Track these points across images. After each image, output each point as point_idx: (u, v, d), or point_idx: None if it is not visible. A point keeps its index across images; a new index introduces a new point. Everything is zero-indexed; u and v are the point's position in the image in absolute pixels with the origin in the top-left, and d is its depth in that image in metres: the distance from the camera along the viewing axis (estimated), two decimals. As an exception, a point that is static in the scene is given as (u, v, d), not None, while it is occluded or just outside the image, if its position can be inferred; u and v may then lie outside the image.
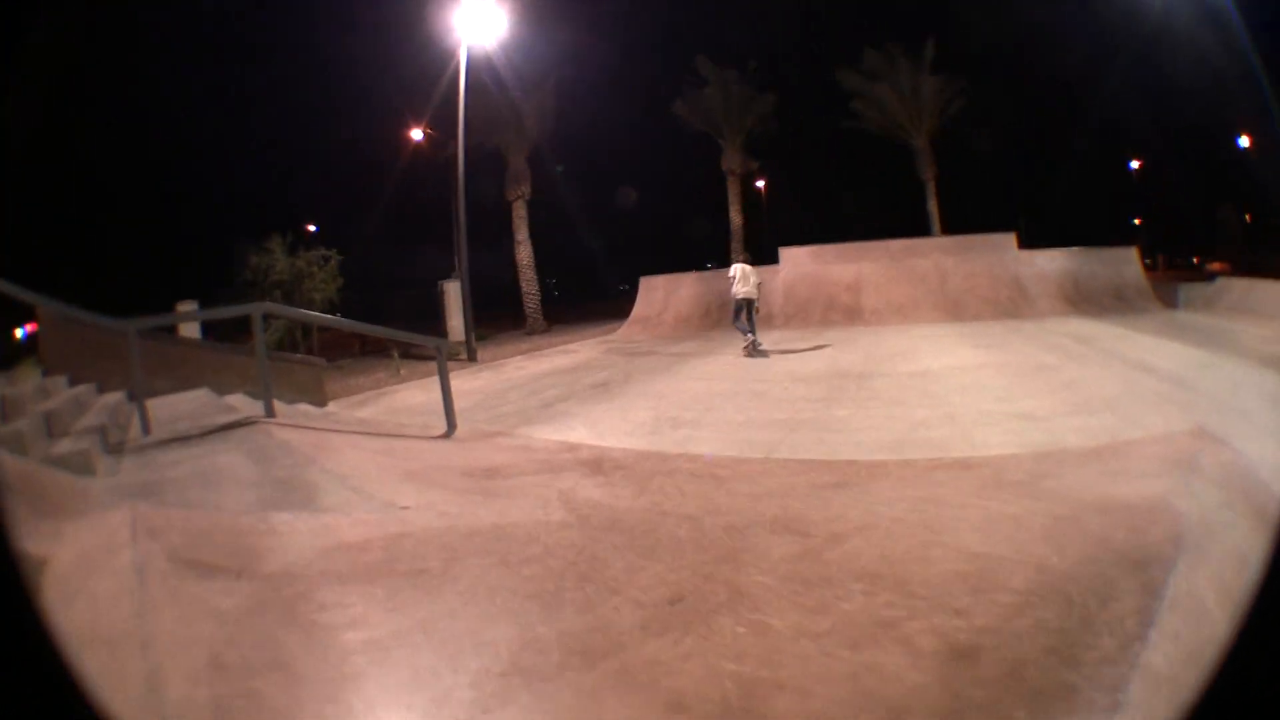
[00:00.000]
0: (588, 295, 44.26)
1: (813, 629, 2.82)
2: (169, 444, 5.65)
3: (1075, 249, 20.63)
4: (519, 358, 17.33)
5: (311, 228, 25.17)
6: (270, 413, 6.52)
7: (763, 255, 23.99)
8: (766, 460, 6.21)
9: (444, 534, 3.73)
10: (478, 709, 2.35)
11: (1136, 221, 42.89)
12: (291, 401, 8.80)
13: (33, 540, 2.82)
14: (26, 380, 7.04)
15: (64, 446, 5.03)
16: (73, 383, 7.41)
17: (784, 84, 33.52)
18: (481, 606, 3.07)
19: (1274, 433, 6.19)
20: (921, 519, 4.26)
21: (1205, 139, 35.86)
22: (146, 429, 6.20)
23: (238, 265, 20.98)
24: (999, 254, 20.49)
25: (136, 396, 6.61)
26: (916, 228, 29.57)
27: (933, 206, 31.15)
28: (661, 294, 23.26)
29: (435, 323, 22.81)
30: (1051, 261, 20.20)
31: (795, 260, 21.72)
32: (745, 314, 13.85)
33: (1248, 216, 40.49)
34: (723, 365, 12.67)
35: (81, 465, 4.73)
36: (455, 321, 22.29)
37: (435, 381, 12.73)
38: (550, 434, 7.76)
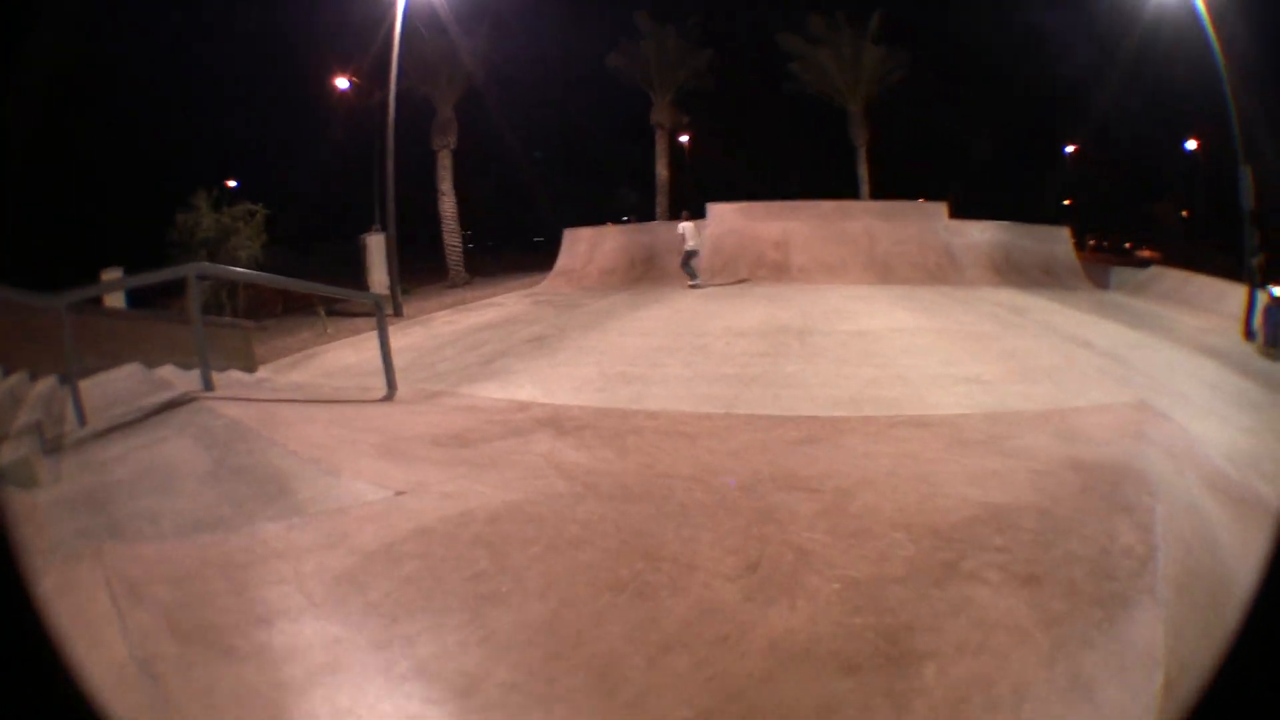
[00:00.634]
0: (504, 247, 43.39)
1: (893, 576, 3.03)
2: (108, 434, 5.09)
3: (1007, 223, 21.30)
4: (446, 312, 16.89)
5: (232, 183, 23.69)
6: (209, 385, 5.98)
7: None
8: (728, 416, 6.23)
9: (465, 523, 3.48)
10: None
11: (1067, 202, 44.54)
12: (222, 369, 8.27)
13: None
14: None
15: (5, 455, 4.46)
16: (6, 373, 6.67)
17: (724, 42, 33.15)
18: (576, 610, 2.82)
19: (1213, 415, 6.57)
20: (913, 473, 4.40)
21: (1149, 136, 37.27)
22: (83, 418, 5.60)
23: (163, 225, 19.84)
24: (930, 221, 20.97)
25: (70, 380, 5.99)
26: (846, 191, 30.01)
27: (863, 171, 31.55)
28: (586, 246, 22.92)
29: (356, 278, 22.02)
30: (983, 233, 20.81)
31: (723, 217, 21.69)
32: (690, 261, 18.18)
33: (1185, 213, 42.40)
34: (658, 320, 12.60)
35: (25, 477, 4.20)
36: (378, 275, 21.54)
37: (364, 340, 12.53)
38: (497, 392, 7.56)
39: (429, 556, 3.09)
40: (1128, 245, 44.66)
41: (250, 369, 9.45)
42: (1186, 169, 37.86)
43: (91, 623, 2.47)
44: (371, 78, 23.96)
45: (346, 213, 30.11)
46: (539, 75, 35.99)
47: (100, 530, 3.51)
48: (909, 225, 20.68)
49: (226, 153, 32.10)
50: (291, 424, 5.13)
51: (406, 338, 12.60)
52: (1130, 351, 9.34)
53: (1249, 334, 12.35)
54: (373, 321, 14.67)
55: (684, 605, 2.82)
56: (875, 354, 8.81)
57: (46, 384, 6.58)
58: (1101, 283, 20.15)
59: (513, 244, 46.88)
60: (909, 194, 23.17)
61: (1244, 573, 3.28)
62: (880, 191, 30.08)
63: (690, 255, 18.10)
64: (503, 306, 16.73)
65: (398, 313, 16.95)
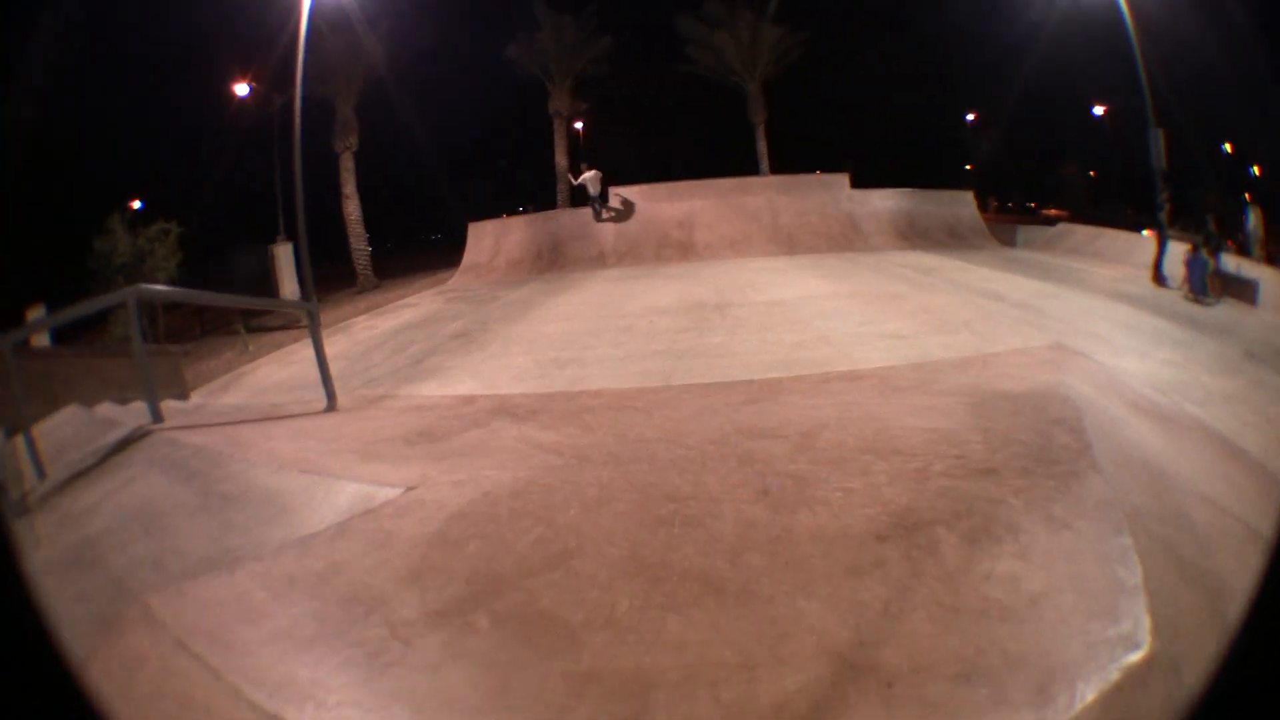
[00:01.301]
0: (403, 248, 42.51)
1: (880, 483, 3.58)
2: (72, 484, 4.75)
3: (909, 189, 22.25)
4: (363, 316, 16.67)
5: (136, 204, 22.62)
6: (158, 417, 5.74)
7: (580, 196, 24.19)
8: (669, 388, 6.61)
9: (493, 503, 3.61)
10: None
11: (968, 167, 46.33)
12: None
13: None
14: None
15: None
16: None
17: (622, 29, 33.13)
18: (646, 545, 3.16)
19: (1132, 352, 7.33)
20: (860, 415, 4.89)
21: (1054, 103, 38.93)
22: (41, 471, 5.21)
23: (70, 254, 18.93)
24: (832, 192, 21.74)
25: (24, 430, 5.63)
26: (746, 168, 30.42)
27: (762, 148, 32.13)
28: (491, 240, 22.93)
29: (266, 290, 21.25)
30: (885, 200, 21.72)
31: (627, 200, 22.07)
32: (596, 202, 21.00)
33: (1093, 174, 44.60)
34: (576, 305, 12.90)
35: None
36: (290, 286, 21.05)
37: (287, 354, 12.44)
38: (438, 390, 7.72)
39: (484, 535, 3.29)
40: (1032, 205, 46.89)
41: (183, 396, 9.23)
42: (1093, 133, 39.84)
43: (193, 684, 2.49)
44: (271, 84, 23.31)
45: (246, 223, 29.20)
46: (437, 71, 35.45)
47: (101, 591, 3.31)
48: (811, 197, 21.42)
49: (122, 170, 30.54)
50: (257, 443, 5.10)
51: (331, 346, 12.36)
52: (1042, 301, 10.15)
53: (1159, 279, 13.66)
54: (292, 335, 14.79)
55: (728, 525, 3.28)
56: (795, 320, 9.36)
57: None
58: (1009, 241, 21.28)
59: (412, 243, 46.04)
60: (811, 169, 23.86)
61: (1180, 469, 4.17)
62: (782, 167, 30.63)
63: (594, 199, 21.05)
64: (418, 306, 16.63)
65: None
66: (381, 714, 2.32)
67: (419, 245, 43.97)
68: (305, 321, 16.50)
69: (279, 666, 2.54)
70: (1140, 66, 15.43)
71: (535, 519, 3.43)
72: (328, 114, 25.72)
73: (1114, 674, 2.16)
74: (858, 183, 22.22)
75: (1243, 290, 12.21)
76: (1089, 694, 2.11)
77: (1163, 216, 15.21)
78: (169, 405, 7.70)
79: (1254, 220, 17.89)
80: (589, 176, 20.97)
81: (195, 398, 9.60)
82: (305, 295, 17.49)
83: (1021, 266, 15.08)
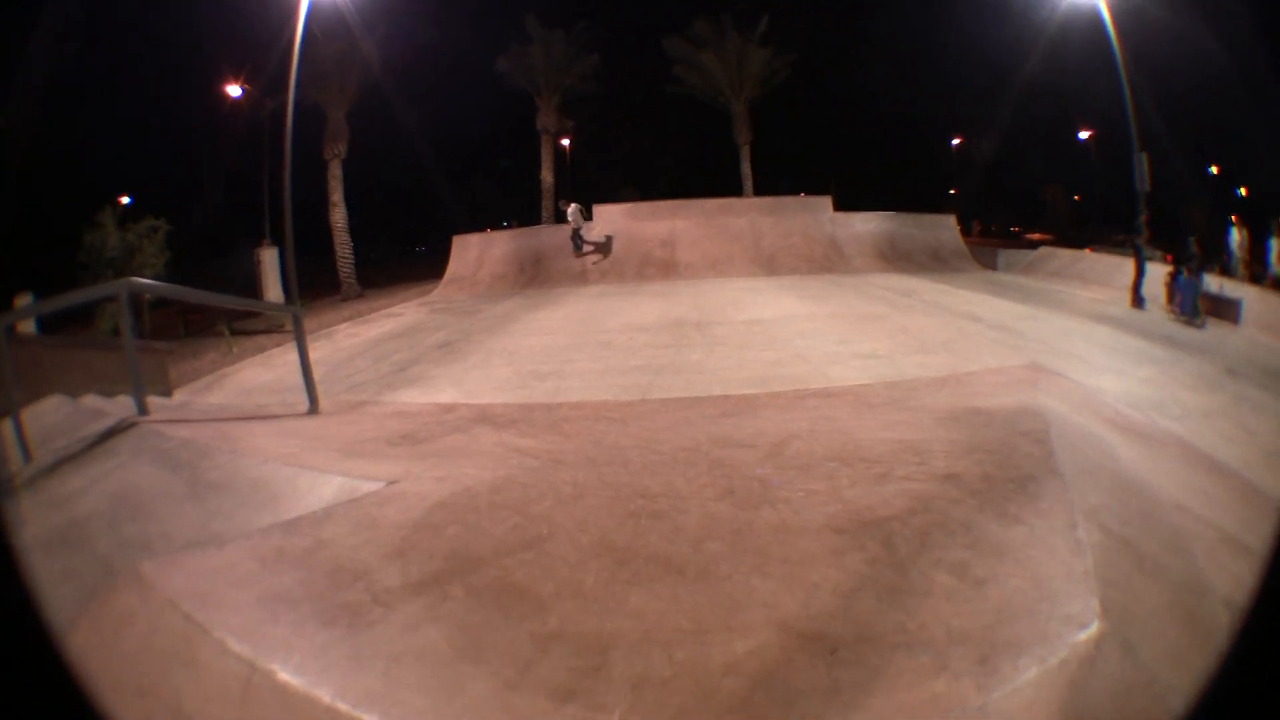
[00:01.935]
0: (387, 258, 42.55)
1: (842, 486, 3.79)
2: (58, 469, 4.74)
3: (892, 213, 22.66)
4: (346, 324, 16.71)
5: (125, 199, 22.60)
6: (144, 410, 5.75)
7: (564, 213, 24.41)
8: (647, 401, 6.77)
9: (473, 496, 3.77)
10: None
11: (952, 191, 47.02)
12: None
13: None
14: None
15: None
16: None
17: (611, 47, 33.55)
18: (614, 533, 3.35)
19: (1109, 371, 7.57)
20: (830, 429, 5.10)
21: (1041, 126, 39.88)
22: (28, 453, 5.23)
23: (59, 246, 18.93)
24: (814, 214, 22.11)
25: (12, 412, 5.57)
26: (730, 189, 30.96)
27: (746, 169, 32.67)
28: (475, 253, 23.14)
29: (250, 293, 21.10)
30: (867, 223, 22.13)
31: (609, 217, 22.33)
32: (576, 235, 21.07)
33: (1076, 197, 45.35)
34: (558, 320, 13.07)
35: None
36: (274, 291, 21.07)
37: (271, 358, 12.50)
38: (419, 398, 7.81)
39: (463, 522, 3.47)
40: (1014, 229, 47.68)
41: (167, 393, 9.28)
42: (1079, 157, 40.77)
43: (179, 639, 2.66)
44: (263, 88, 23.43)
45: (235, 226, 29.24)
46: (429, 83, 35.67)
47: (89, 569, 3.37)
48: (794, 219, 21.75)
49: (113, 167, 30.48)
50: (243, 439, 5.19)
51: (314, 352, 12.32)
52: (1021, 323, 10.41)
53: (1137, 301, 14.00)
54: (275, 339, 14.86)
55: (694, 518, 3.48)
56: (773, 339, 9.56)
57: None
58: (989, 264, 21.68)
59: (396, 254, 46.09)
60: (795, 190, 24.24)
61: (1150, 478, 4.35)
62: (765, 189, 31.24)
63: (576, 231, 21.17)
64: (402, 316, 16.73)
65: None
66: (362, 663, 2.50)
67: (404, 256, 44.00)
68: (289, 325, 16.64)
69: (265, 625, 2.71)
70: (1126, 90, 15.74)
71: (512, 510, 3.60)
72: (320, 120, 25.88)
73: (1061, 650, 2.32)
74: (841, 205, 22.65)
75: (1225, 309, 12.58)
76: (1032, 667, 2.27)
77: (1140, 240, 15.52)
78: (153, 401, 7.72)
79: (1236, 240, 18.36)
80: (571, 210, 21.39)
81: (179, 395, 9.66)
82: (289, 300, 17.55)
83: (1002, 289, 15.40)
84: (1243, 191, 31.99)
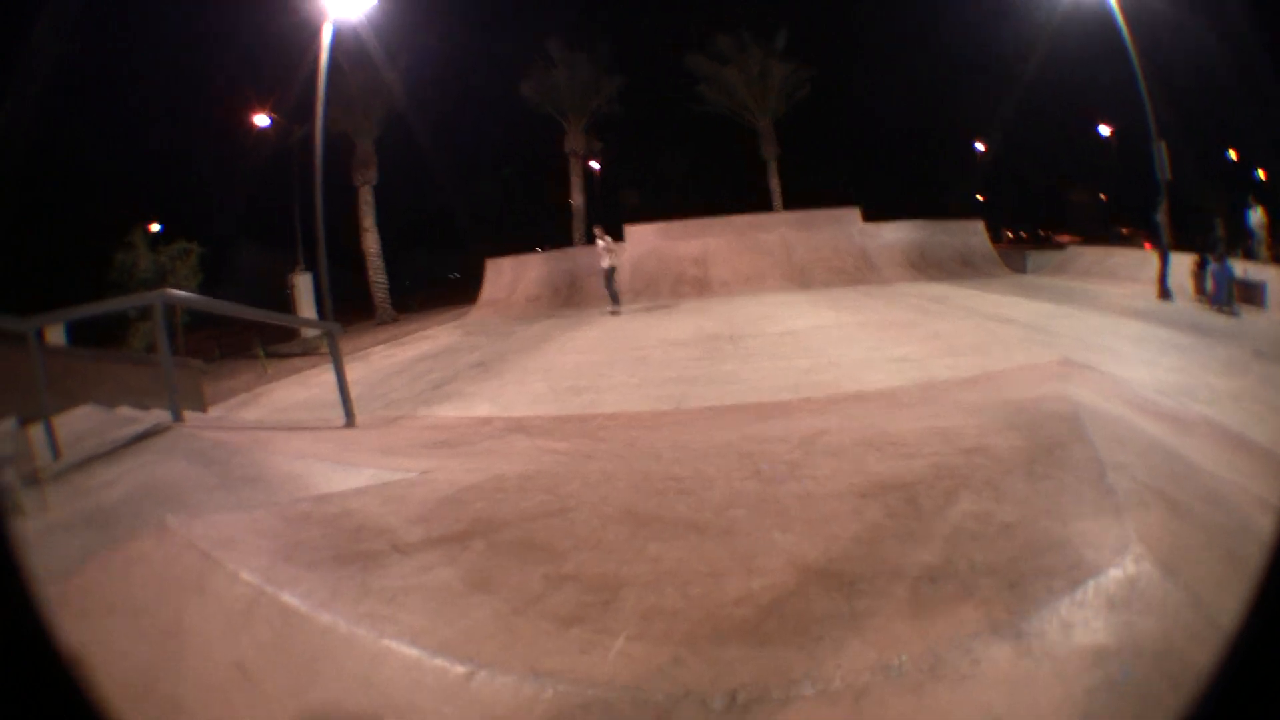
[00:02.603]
0: (419, 284, 42.88)
1: (871, 460, 3.81)
2: (89, 464, 4.73)
3: (920, 221, 22.56)
4: (381, 347, 16.87)
5: (155, 226, 23.03)
6: (178, 417, 5.77)
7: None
8: (680, 410, 6.70)
9: (501, 481, 3.81)
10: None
11: (980, 198, 46.79)
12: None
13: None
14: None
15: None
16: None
17: (635, 67, 33.72)
18: (641, 504, 3.37)
19: (1140, 363, 7.38)
20: (862, 423, 5.03)
21: (1061, 126, 39.52)
22: (56, 451, 5.20)
23: (90, 266, 19.32)
24: (844, 227, 22.01)
25: (42, 411, 5.54)
26: (759, 205, 30.76)
27: (775, 184, 32.56)
28: (509, 276, 23.25)
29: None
30: (896, 232, 21.99)
31: (642, 237, 22.32)
32: (612, 279, 17.69)
33: (1103, 196, 44.83)
34: (592, 339, 13.04)
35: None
36: (308, 315, 21.31)
37: (306, 378, 12.56)
38: (455, 412, 7.81)
39: (491, 500, 3.49)
40: (1041, 232, 47.13)
41: (201, 409, 9.31)
42: (1101, 154, 40.20)
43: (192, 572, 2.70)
44: (291, 116, 23.82)
45: (268, 251, 29.65)
46: (455, 110, 36.12)
47: (105, 547, 3.23)
48: (823, 232, 21.67)
49: (142, 193, 31.17)
50: (278, 443, 5.23)
51: (350, 373, 12.34)
52: (1051, 322, 10.26)
53: (1164, 293, 13.66)
54: (310, 361, 14.92)
55: (719, 493, 3.46)
56: (806, 348, 9.45)
57: (3, 426, 6.26)
58: (1018, 268, 21.46)
59: (429, 280, 46.47)
60: (823, 202, 24.07)
61: (1180, 450, 4.23)
62: (795, 202, 30.95)
63: (610, 272, 17.56)
64: (436, 339, 16.85)
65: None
66: (370, 593, 2.56)
67: (436, 282, 44.31)
68: (324, 348, 16.75)
69: (280, 564, 2.77)
70: (1140, 80, 15.45)
71: (540, 490, 3.62)
72: (349, 147, 26.22)
73: (1096, 574, 2.30)
74: (870, 215, 22.50)
75: (1250, 293, 12.29)
76: (1065, 590, 2.24)
77: (1163, 230, 15.05)
78: (188, 415, 7.76)
79: (1256, 219, 17.80)
80: (602, 247, 17.70)
81: (215, 411, 9.68)
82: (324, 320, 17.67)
83: (1032, 291, 15.20)
84: (1261, 174, 31.45)
